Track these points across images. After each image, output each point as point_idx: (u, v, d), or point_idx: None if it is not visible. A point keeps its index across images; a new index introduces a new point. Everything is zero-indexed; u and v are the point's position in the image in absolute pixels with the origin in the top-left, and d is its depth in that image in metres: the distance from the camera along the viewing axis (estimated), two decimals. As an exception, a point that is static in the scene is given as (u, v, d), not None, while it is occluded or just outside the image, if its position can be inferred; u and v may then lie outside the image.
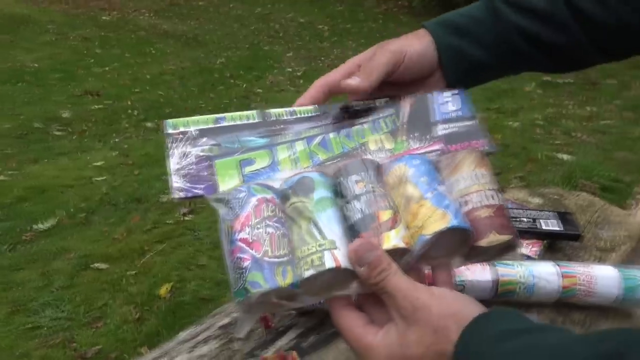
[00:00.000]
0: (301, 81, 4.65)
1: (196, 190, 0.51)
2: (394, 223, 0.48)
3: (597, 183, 2.64)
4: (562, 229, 0.92)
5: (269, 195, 0.49)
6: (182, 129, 0.54)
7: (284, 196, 0.50)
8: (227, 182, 0.52)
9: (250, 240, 0.46)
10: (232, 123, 0.55)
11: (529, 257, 0.89)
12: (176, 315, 1.94)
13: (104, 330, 1.90)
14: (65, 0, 7.65)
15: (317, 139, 0.56)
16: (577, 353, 0.36)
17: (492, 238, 0.49)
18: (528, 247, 0.91)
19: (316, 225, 0.47)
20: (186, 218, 2.58)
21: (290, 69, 5.05)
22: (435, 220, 0.48)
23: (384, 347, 0.46)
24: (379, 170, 0.52)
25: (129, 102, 4.13)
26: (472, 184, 0.51)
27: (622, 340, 0.36)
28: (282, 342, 0.75)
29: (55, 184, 2.90)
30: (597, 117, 3.62)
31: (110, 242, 2.39)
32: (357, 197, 0.49)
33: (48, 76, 4.67)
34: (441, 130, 0.58)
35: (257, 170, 0.53)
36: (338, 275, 0.47)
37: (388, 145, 0.56)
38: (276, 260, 0.46)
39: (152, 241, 2.40)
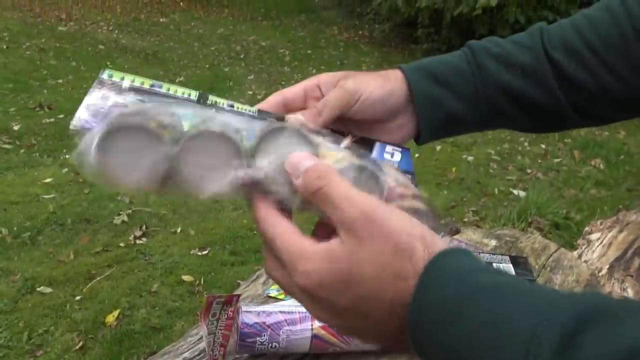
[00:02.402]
0: (262, 104, 4.64)
1: (95, 125, 0.47)
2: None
3: (550, 220, 2.71)
4: (516, 273, 0.93)
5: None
6: (115, 80, 0.52)
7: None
8: None
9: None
10: (167, 92, 0.53)
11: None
12: (123, 345, 1.86)
13: (44, 360, 1.80)
14: (23, 7, 7.44)
15: (245, 132, 0.53)
16: (561, 305, 0.32)
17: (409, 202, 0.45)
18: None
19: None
20: (139, 241, 2.50)
21: (251, 92, 5.05)
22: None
23: (322, 261, 0.37)
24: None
25: (83, 118, 4.01)
26: (397, 178, 0.47)
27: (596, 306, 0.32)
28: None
29: (-1, 200, 2.77)
30: (550, 155, 3.74)
31: (56, 265, 2.29)
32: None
33: (1, 86, 4.50)
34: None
35: None
36: (221, 153, 0.43)
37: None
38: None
39: (100, 265, 2.31)
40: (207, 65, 5.86)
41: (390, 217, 0.37)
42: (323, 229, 0.42)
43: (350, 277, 0.37)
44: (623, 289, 1.22)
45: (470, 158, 3.63)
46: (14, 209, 2.72)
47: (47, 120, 3.87)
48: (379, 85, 0.55)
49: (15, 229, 2.53)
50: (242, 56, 6.31)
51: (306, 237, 0.39)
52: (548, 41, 0.57)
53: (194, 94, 0.53)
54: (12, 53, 5.48)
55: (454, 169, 3.43)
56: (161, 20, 7.80)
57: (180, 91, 0.53)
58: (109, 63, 5.53)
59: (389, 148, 0.57)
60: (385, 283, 0.36)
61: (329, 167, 0.41)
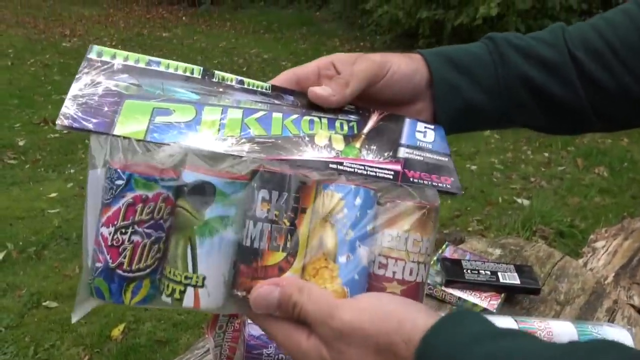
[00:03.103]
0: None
1: (86, 123, 0.42)
2: (277, 271, 0.43)
3: (554, 229, 2.71)
4: (521, 282, 0.93)
5: (151, 193, 0.42)
6: (105, 59, 0.46)
7: (178, 190, 0.43)
8: (128, 125, 0.43)
9: (109, 244, 0.41)
10: (166, 70, 0.47)
11: (487, 311, 0.90)
12: (129, 359, 1.86)
13: (50, 375, 1.81)
14: (27, 24, 7.52)
15: (258, 114, 0.48)
16: None
17: None
18: (487, 300, 0.91)
19: (193, 251, 0.42)
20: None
21: (253, 104, 5.06)
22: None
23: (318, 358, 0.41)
24: (306, 188, 0.44)
25: (88, 132, 4.04)
26: (397, 247, 0.45)
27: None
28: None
29: (4, 215, 2.78)
30: (553, 163, 3.74)
31: (61, 279, 2.30)
32: (255, 219, 0.43)
33: (7, 102, 4.54)
34: (404, 153, 0.50)
35: (170, 122, 0.44)
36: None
37: (337, 146, 0.48)
38: (131, 275, 0.41)
39: (105, 278, 2.31)
40: (210, 79, 5.89)
41: (362, 324, 0.39)
42: None
43: None
44: (629, 297, 1.22)
45: (473, 167, 3.62)
46: (20, 223, 2.73)
47: (52, 136, 3.89)
48: (405, 62, 0.54)
49: (20, 243, 2.54)
50: (244, 69, 6.33)
51: (301, 329, 0.42)
52: (570, 39, 0.57)
53: (197, 71, 0.49)
54: (17, 69, 5.53)
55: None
56: (164, 34, 7.86)
57: (181, 68, 0.48)
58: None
59: (420, 126, 0.53)
60: None
61: (295, 289, 0.41)
